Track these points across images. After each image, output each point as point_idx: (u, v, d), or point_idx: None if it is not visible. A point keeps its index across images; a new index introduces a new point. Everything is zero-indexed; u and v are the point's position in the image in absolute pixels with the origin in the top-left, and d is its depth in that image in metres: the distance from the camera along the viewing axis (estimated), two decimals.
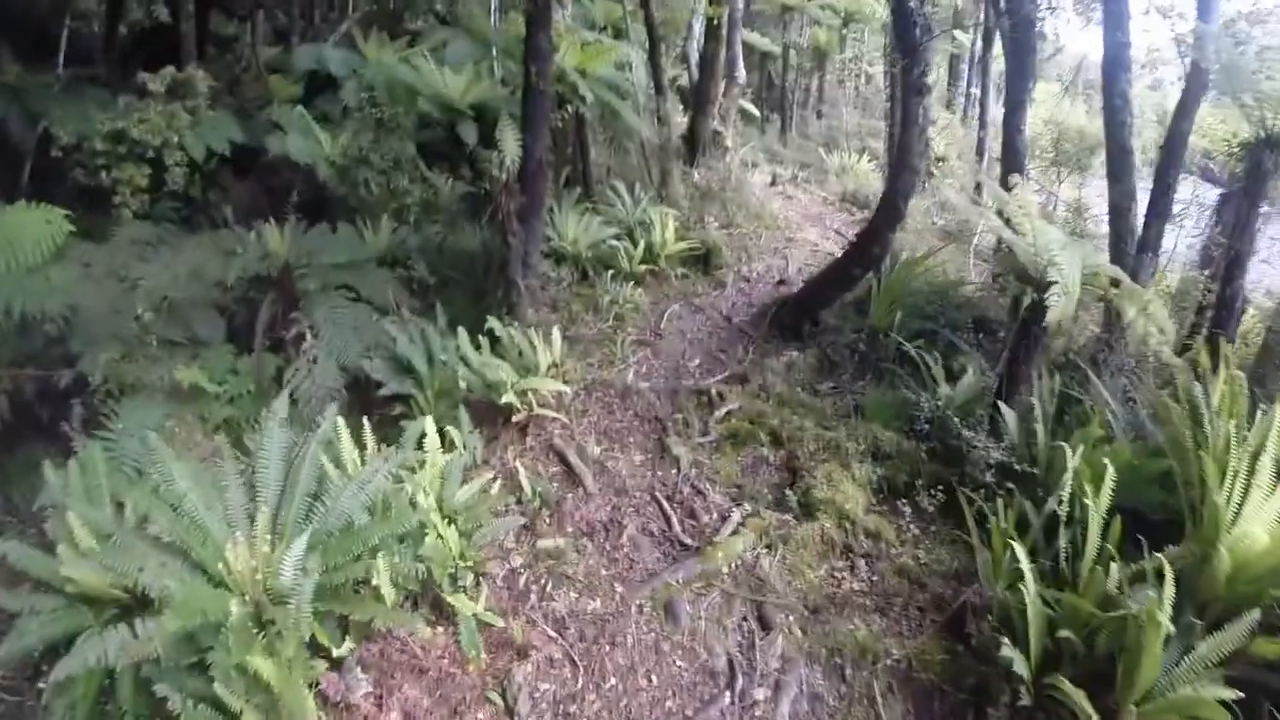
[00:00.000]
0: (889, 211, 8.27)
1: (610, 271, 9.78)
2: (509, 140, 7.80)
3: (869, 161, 21.35)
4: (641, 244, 10.32)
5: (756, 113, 24.97)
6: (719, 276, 10.74)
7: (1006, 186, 10.23)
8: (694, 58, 17.05)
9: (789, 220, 14.81)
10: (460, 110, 9.91)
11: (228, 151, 9.72)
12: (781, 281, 10.96)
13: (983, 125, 18.99)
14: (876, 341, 8.56)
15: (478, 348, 7.16)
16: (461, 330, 7.19)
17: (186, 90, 9.63)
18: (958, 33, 24.84)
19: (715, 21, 14.34)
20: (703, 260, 10.90)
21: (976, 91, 25.63)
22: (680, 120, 17.51)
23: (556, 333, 7.34)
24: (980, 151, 15.41)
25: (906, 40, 7.97)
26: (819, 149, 24.42)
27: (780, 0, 24.08)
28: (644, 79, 13.43)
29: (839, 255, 9.19)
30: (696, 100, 15.71)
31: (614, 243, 10.31)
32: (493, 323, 7.16)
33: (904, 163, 8.02)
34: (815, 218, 16.30)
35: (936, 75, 29.18)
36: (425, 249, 10.02)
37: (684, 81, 18.84)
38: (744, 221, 13.34)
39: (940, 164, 20.17)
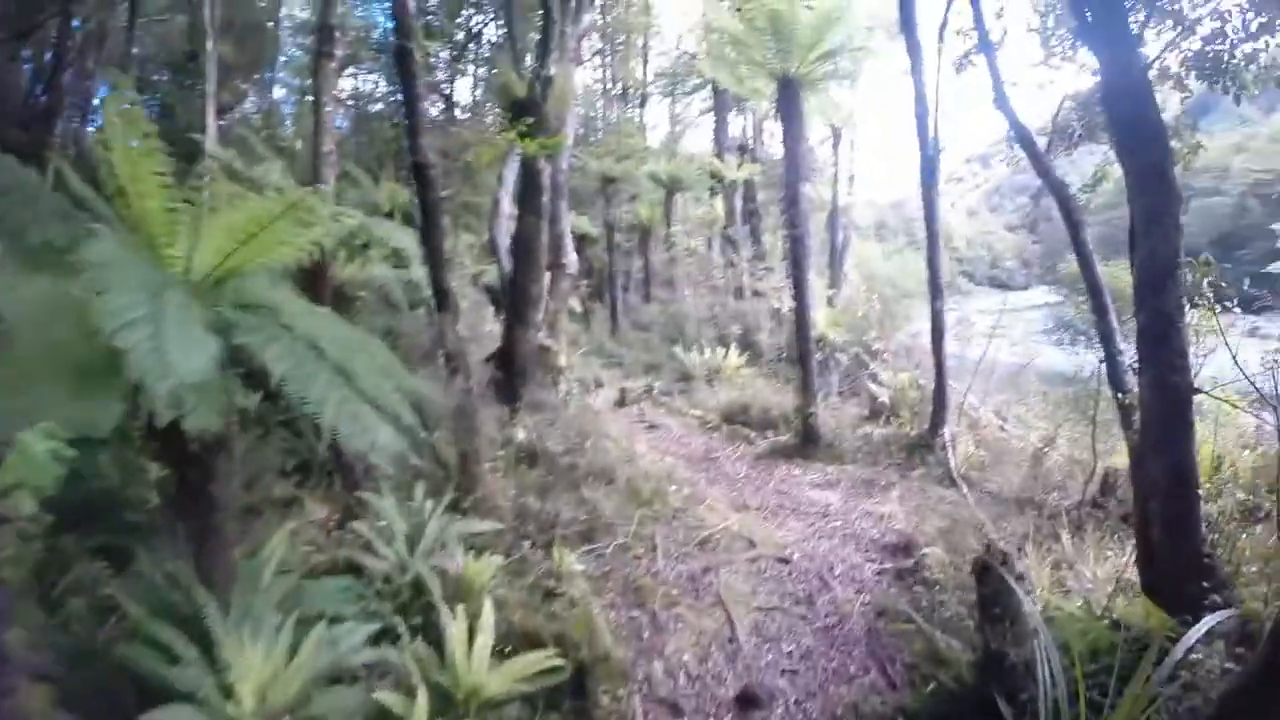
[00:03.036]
0: None
1: None
2: None
3: (741, 357, 16.42)
4: (421, 694, 4.09)
5: (580, 307, 19.95)
6: None
7: None
8: (503, 244, 11.61)
9: (676, 482, 9.12)
10: None
11: None
12: (749, 699, 5.03)
13: None
14: None
15: None
16: None
17: None
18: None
19: (536, 186, 9.11)
20: (572, 687, 4.75)
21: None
22: (490, 329, 11.88)
23: None
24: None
25: None
26: (664, 343, 19.56)
27: (600, 171, 19.74)
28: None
29: None
30: (513, 304, 10.18)
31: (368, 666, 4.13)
32: None
33: None
34: (706, 463, 10.74)
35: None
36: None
37: (492, 278, 13.36)
38: (613, 510, 7.50)
39: None
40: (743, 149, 23.87)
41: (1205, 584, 4.57)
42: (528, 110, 9.30)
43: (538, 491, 7.33)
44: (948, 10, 9.82)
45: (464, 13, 21.77)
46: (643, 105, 29.25)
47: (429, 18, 19.45)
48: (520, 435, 8.34)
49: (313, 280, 9.75)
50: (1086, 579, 6.52)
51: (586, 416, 9.99)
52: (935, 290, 10.49)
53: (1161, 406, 5.01)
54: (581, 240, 21.78)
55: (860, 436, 11.43)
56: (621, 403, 14.25)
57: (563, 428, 8.89)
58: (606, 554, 6.75)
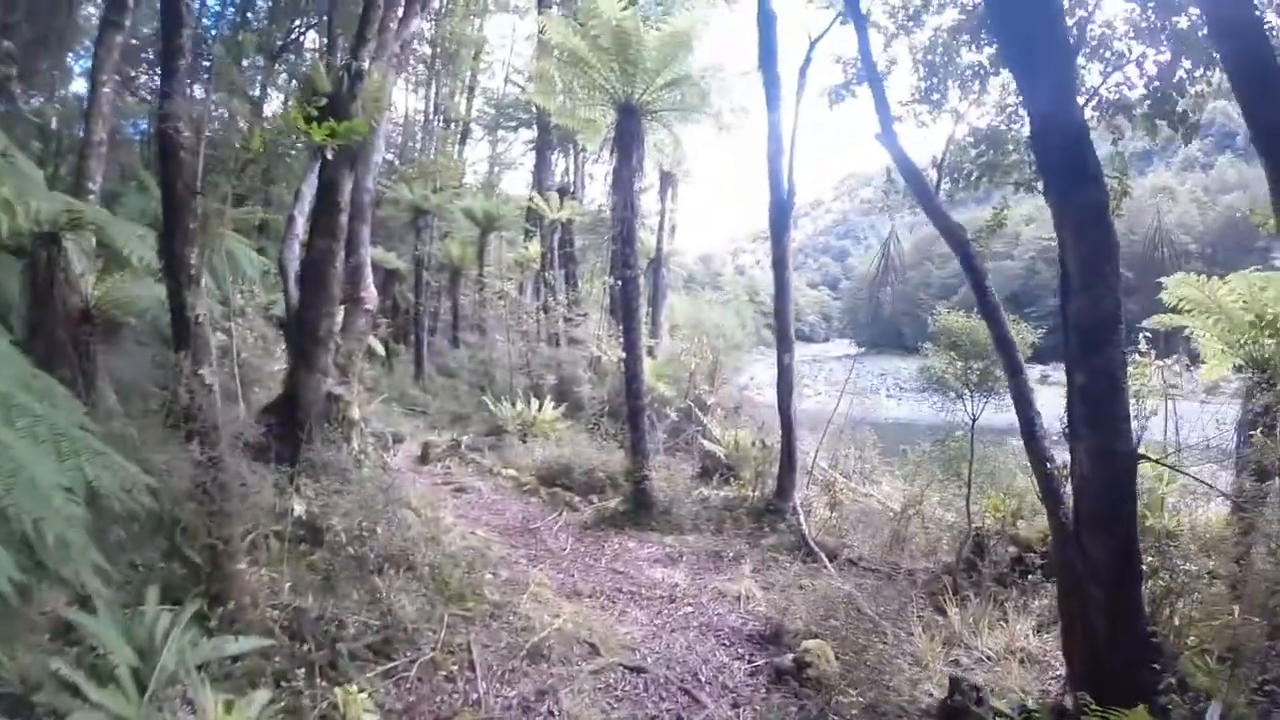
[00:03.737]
0: None
1: None
2: None
3: (558, 410, 15.01)
4: None
5: (382, 349, 17.90)
6: None
7: None
8: (293, 270, 9.59)
9: (492, 564, 7.59)
10: None
11: None
12: None
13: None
14: None
15: None
16: None
17: None
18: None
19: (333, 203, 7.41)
20: None
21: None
22: (279, 367, 9.77)
23: None
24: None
25: None
26: (472, 392, 17.95)
27: (413, 202, 17.93)
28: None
29: None
30: (298, 341, 8.31)
31: None
32: None
33: None
34: (525, 535, 9.30)
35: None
36: None
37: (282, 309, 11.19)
38: (416, 610, 5.82)
39: None
40: (563, 191, 22.86)
41: (1155, 665, 4.06)
42: (333, 107, 7.60)
43: (318, 588, 5.56)
44: (811, 49, 9.21)
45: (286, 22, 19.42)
46: (464, 140, 27.82)
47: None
48: (298, 509, 6.49)
49: (43, 296, 7.25)
50: (984, 653, 5.89)
51: (382, 481, 8.20)
52: (785, 343, 9.68)
53: (1105, 478, 4.38)
54: (389, 276, 19.78)
55: (697, 500, 10.39)
56: (425, 459, 12.55)
57: (353, 497, 7.09)
58: (409, 676, 5.09)
